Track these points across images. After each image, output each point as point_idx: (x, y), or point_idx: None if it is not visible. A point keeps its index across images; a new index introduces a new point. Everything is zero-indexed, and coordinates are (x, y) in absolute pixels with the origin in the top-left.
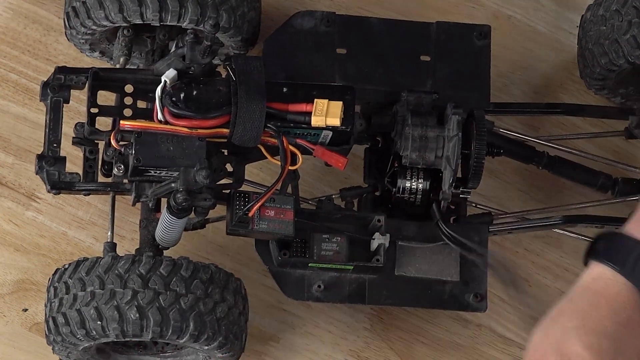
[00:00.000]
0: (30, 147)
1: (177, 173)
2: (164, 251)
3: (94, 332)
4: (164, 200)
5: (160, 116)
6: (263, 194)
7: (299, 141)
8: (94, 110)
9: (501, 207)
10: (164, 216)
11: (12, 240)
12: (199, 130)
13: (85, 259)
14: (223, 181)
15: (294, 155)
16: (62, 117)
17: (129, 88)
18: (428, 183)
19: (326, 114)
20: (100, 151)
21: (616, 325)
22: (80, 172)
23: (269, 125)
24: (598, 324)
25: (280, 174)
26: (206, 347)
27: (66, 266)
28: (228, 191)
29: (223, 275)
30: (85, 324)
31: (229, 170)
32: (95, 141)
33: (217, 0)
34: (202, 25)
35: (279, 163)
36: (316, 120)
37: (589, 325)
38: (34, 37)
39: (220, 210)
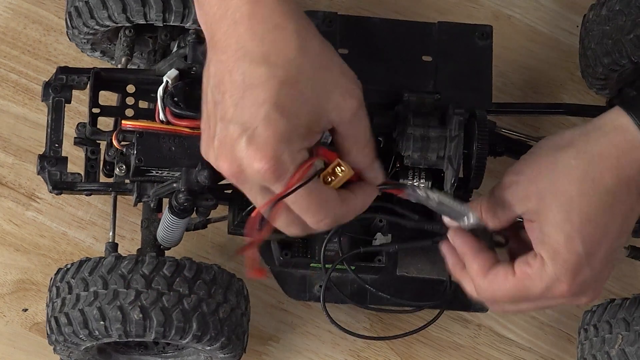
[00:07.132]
0: (30, 147)
1: (179, 173)
2: (166, 251)
3: (97, 332)
4: (165, 201)
5: (162, 116)
6: None
7: None
8: (96, 110)
9: None
10: (166, 216)
11: (12, 240)
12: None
13: (88, 259)
14: (225, 181)
15: None
16: (63, 117)
17: (130, 88)
18: (430, 183)
19: None
20: (102, 151)
21: (616, 180)
22: (82, 173)
23: None
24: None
25: None
26: (208, 348)
27: (68, 266)
28: (230, 191)
29: (226, 276)
30: (88, 324)
31: None
32: (97, 141)
33: None
34: None
35: None
36: None
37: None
38: (34, 37)
39: (222, 210)
